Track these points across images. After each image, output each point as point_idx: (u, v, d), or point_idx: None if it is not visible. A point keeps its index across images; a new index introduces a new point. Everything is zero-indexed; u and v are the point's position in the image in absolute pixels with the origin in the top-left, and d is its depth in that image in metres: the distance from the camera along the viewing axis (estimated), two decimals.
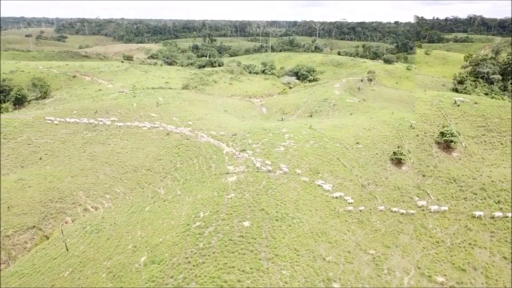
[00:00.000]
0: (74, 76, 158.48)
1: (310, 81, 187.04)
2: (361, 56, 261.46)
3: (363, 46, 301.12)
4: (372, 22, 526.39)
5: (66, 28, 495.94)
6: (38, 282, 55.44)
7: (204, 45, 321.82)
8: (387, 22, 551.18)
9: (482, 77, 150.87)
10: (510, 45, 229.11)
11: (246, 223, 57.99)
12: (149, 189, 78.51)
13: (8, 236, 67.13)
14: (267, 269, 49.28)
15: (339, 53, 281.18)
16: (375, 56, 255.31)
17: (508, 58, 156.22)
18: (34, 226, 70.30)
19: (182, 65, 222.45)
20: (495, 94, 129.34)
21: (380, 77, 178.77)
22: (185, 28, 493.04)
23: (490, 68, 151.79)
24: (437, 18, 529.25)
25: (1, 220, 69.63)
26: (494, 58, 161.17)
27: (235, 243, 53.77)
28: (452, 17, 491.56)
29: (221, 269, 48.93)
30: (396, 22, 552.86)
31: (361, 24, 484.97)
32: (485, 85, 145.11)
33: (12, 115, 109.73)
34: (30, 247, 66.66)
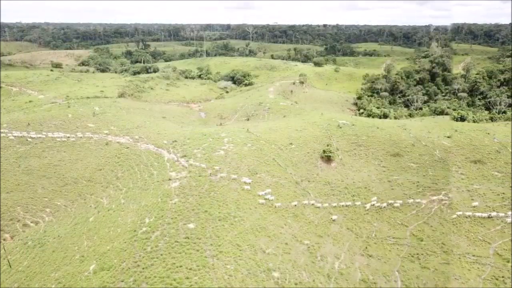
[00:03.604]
0: None
1: (245, 85, 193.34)
2: (293, 59, 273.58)
3: (295, 49, 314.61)
4: (303, 25, 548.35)
5: None
6: None
7: (137, 50, 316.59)
8: (316, 25, 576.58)
9: (377, 93, 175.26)
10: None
11: (191, 225, 61.68)
12: (91, 200, 79.06)
13: None
14: (213, 265, 53.47)
15: (272, 56, 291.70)
16: (306, 59, 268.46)
17: (396, 77, 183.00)
18: None
19: (116, 72, 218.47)
20: (384, 107, 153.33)
21: (311, 79, 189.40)
22: (117, 33, 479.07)
23: (382, 84, 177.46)
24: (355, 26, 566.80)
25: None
26: (386, 76, 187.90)
27: (182, 244, 57.29)
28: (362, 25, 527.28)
29: (169, 269, 52.28)
30: (324, 25, 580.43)
31: (292, 28, 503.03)
32: (378, 99, 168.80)
33: None
34: None
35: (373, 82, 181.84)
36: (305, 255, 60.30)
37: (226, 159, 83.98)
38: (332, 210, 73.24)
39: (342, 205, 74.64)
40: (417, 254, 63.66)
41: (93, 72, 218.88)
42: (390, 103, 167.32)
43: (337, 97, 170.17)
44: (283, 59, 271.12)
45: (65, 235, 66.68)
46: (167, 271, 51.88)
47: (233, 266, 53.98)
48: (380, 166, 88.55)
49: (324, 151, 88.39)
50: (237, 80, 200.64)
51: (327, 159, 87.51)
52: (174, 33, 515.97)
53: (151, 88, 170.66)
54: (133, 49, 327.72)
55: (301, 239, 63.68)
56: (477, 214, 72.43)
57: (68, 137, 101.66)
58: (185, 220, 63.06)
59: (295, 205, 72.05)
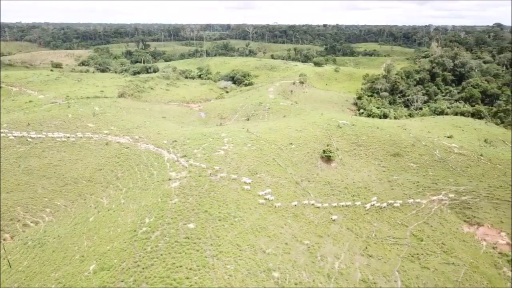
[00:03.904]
0: None
1: (245, 85, 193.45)
2: (293, 59, 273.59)
3: (295, 49, 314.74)
4: (303, 25, 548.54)
5: None
6: None
7: (137, 50, 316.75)
8: (316, 25, 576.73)
9: (377, 93, 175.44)
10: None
11: (191, 225, 61.66)
12: (91, 200, 79.02)
13: None
14: (213, 265, 53.45)
15: (272, 57, 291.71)
16: (306, 59, 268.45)
17: (395, 77, 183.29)
18: None
19: (116, 72, 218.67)
20: (384, 107, 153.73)
21: (310, 79, 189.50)
22: (117, 33, 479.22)
23: (382, 84, 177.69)
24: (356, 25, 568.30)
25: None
26: (386, 76, 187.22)
27: (182, 244, 57.26)
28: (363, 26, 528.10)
29: (169, 269, 52.26)
30: (324, 25, 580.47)
31: (292, 28, 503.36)
32: (378, 99, 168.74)
33: None
34: None
35: (373, 82, 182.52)
36: (305, 255, 60.25)
37: (226, 159, 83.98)
38: (332, 210, 73.20)
39: (342, 205, 74.62)
40: (417, 254, 63.62)
41: (93, 72, 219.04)
42: (390, 103, 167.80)
43: (337, 97, 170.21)
44: (283, 59, 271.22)
45: (65, 235, 66.67)
46: (167, 271, 51.87)
47: (233, 266, 53.95)
48: (380, 166, 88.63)
49: (324, 151, 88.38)
50: (237, 80, 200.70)
51: (327, 159, 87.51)
52: (174, 33, 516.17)
53: (151, 88, 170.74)
54: (133, 49, 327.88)
55: (301, 239, 63.62)
56: None
57: (68, 137, 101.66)
58: (185, 220, 63.04)
59: (295, 205, 72.03)
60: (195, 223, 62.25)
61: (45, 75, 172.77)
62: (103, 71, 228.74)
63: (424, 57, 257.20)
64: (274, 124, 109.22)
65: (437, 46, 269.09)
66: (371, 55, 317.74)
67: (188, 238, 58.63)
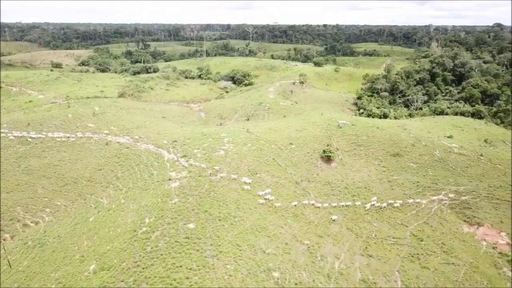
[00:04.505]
0: None
1: (245, 85, 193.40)
2: (293, 59, 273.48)
3: (295, 49, 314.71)
4: (303, 25, 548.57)
5: None
6: None
7: (137, 50, 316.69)
8: (316, 25, 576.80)
9: (377, 93, 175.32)
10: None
11: (191, 225, 61.67)
12: (91, 200, 79.00)
13: None
14: (213, 265, 53.46)
15: (272, 57, 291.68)
16: (306, 59, 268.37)
17: (395, 77, 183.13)
18: None
19: (116, 72, 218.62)
20: (384, 107, 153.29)
21: (311, 79, 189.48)
22: (117, 33, 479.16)
23: (382, 84, 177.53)
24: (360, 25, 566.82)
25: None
26: (386, 76, 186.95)
27: (182, 244, 57.27)
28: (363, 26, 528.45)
29: (169, 269, 52.28)
30: (324, 25, 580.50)
31: (292, 28, 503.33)
32: (378, 99, 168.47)
33: None
34: None
35: (373, 82, 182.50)
36: (305, 255, 60.25)
37: (226, 159, 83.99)
38: (332, 210, 73.19)
39: (342, 205, 74.61)
40: (417, 254, 63.60)
41: (93, 72, 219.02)
42: (390, 103, 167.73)
43: (337, 97, 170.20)
44: (283, 59, 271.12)
45: (65, 235, 66.67)
46: (167, 271, 51.89)
47: (233, 266, 53.96)
48: (380, 166, 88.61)
49: (324, 151, 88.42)
50: (237, 80, 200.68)
51: (327, 159, 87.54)
52: (174, 33, 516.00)
53: (151, 88, 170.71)
54: (133, 49, 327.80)
55: (301, 239, 63.62)
56: None
57: (68, 137, 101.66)
58: (185, 220, 63.05)
59: (295, 205, 72.05)
60: (195, 223, 62.27)
61: (45, 75, 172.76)
62: (103, 71, 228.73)
63: (424, 57, 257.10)
64: (274, 124, 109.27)
65: (437, 46, 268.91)
66: (371, 55, 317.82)
67: (188, 238, 58.64)
